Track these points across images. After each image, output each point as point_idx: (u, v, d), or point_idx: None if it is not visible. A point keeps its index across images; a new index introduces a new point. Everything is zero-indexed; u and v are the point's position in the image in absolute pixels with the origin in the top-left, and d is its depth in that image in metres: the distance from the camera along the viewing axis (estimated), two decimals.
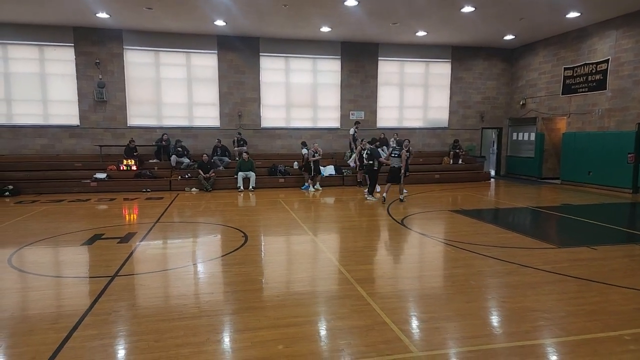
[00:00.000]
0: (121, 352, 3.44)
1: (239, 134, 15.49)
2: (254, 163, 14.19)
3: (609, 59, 13.51)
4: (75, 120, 14.66)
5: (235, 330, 3.80)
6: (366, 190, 12.06)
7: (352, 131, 15.64)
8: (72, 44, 14.31)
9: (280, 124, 16.51)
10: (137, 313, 4.14)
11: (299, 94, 16.57)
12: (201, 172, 13.63)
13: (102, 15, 12.69)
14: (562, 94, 15.46)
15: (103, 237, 7.28)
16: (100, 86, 14.49)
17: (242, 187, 13.74)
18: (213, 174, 13.82)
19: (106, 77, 14.62)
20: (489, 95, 18.10)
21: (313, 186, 13.96)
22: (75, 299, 4.57)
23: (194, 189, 13.55)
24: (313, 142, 14.88)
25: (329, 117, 16.90)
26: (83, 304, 4.31)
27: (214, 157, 14.61)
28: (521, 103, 17.41)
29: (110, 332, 3.76)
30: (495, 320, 4.11)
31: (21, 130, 14.28)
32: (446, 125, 17.93)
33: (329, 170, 15.02)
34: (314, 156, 13.87)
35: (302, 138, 15.98)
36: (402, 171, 10.95)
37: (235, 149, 15.12)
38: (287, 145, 16.24)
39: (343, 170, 15.06)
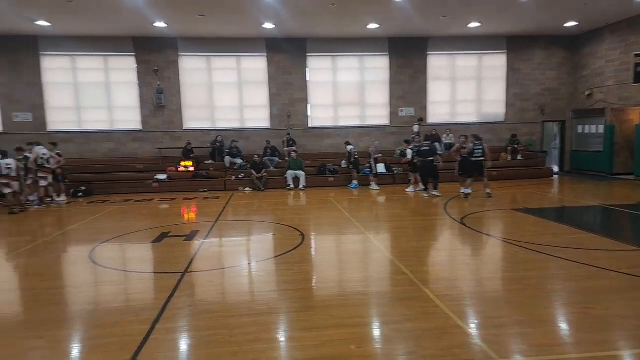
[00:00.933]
0: (201, 345, 3.55)
1: (288, 134, 15.70)
2: (303, 162, 14.32)
3: None
4: (137, 125, 15.53)
5: (303, 328, 3.81)
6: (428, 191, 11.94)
7: (416, 129, 15.29)
8: (133, 53, 15.17)
9: (328, 123, 16.55)
10: (209, 308, 4.28)
11: (347, 93, 16.52)
12: (254, 172, 13.95)
13: (160, 24, 13.34)
14: (633, 83, 14.27)
15: (170, 235, 7.62)
16: (159, 92, 15.24)
17: (292, 186, 13.93)
18: (265, 174, 14.10)
19: (164, 83, 15.35)
20: (550, 87, 17.08)
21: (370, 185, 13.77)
22: (153, 293, 4.84)
23: (247, 189, 13.89)
24: (373, 140, 14.80)
25: (378, 114, 16.71)
26: (161, 298, 4.52)
27: (264, 158, 14.90)
28: (587, 94, 16.25)
29: (188, 325, 3.94)
30: (580, 327, 3.79)
31: (91, 135, 15.34)
32: (502, 119, 17.14)
33: (379, 168, 14.82)
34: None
35: (350, 136, 15.92)
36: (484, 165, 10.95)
37: (285, 149, 15.34)
38: (336, 144, 16.21)
39: (394, 169, 14.81)
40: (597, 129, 16.04)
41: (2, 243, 7.70)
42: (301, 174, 14.02)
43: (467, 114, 17.10)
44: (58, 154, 12.09)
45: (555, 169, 17.33)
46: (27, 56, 14.65)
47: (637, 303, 4.22)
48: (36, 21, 12.80)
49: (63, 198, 12.04)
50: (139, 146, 15.56)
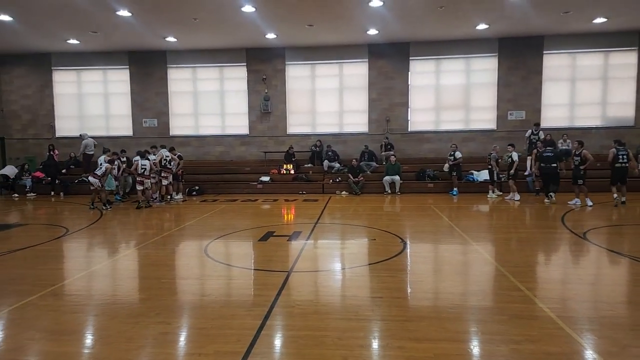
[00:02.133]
0: (311, 345, 3.64)
1: (387, 138, 15.63)
2: (401, 167, 14.14)
3: None
4: (245, 130, 16.78)
5: (413, 338, 3.74)
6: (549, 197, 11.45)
7: (528, 133, 14.27)
8: (245, 64, 16.43)
9: (429, 127, 16.15)
10: (317, 309, 4.41)
11: (450, 96, 15.98)
12: (351, 176, 14.15)
13: (270, 35, 14.27)
14: None
15: (274, 234, 8.08)
16: (266, 99, 16.29)
17: (389, 191, 13.84)
18: (362, 178, 14.22)
19: (270, 90, 16.37)
20: None
21: (492, 192, 13.04)
22: (263, 289, 5.11)
23: (344, 193, 14.14)
24: (493, 145, 13.70)
25: (483, 118, 15.86)
26: (269, 295, 4.76)
27: (361, 162, 15.03)
28: None
29: (297, 324, 4.08)
30: None
31: (205, 139, 16.95)
32: (632, 123, 15.14)
33: (483, 175, 14.03)
34: (497, 161, 12.81)
35: (453, 141, 15.30)
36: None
37: (382, 153, 15.30)
38: (436, 148, 15.75)
39: (501, 176, 13.87)
40: None
41: (132, 235, 8.73)
42: (397, 179, 13.87)
43: (587, 118, 15.47)
44: (179, 157, 13.47)
45: None
46: (157, 68, 16.71)
47: None
48: (165, 37, 14.55)
49: (180, 196, 13.39)
50: (245, 150, 16.79)
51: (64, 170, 15.76)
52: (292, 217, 10.73)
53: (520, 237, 7.94)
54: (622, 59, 15.07)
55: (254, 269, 6.05)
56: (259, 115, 16.57)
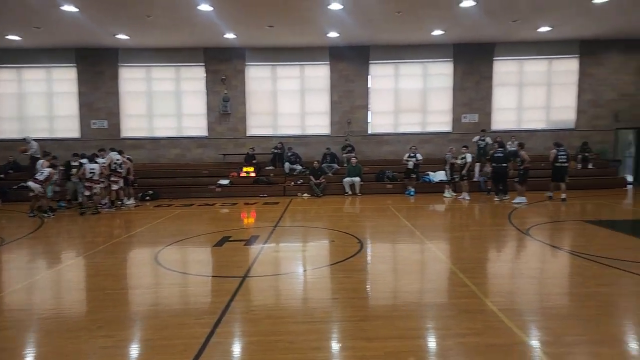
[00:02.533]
0: (262, 350, 3.62)
1: (347, 140, 15.82)
2: (362, 169, 14.37)
3: None
4: (203, 132, 16.42)
5: (365, 337, 3.83)
6: (499, 196, 12.06)
7: (475, 139, 14.79)
8: (203, 64, 16.09)
9: (388, 129, 16.50)
10: (270, 314, 4.38)
11: (408, 99, 16.40)
12: (312, 178, 14.21)
13: (229, 35, 14.08)
14: None
15: (231, 239, 7.94)
16: (225, 100, 16.03)
17: (349, 192, 14.03)
18: (323, 180, 14.31)
19: (230, 91, 16.13)
20: (626, 92, 15.85)
21: (448, 192, 13.54)
22: (214, 296, 5.03)
23: (305, 195, 14.17)
24: (449, 147, 14.31)
25: (440, 121, 16.41)
26: (221, 302, 4.67)
27: (323, 164, 15.13)
28: None
29: (249, 330, 4.06)
30: None
31: (159, 141, 16.43)
32: (572, 126, 16.15)
33: (439, 176, 14.50)
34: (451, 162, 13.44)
35: (411, 143, 15.70)
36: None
37: (344, 155, 15.48)
38: (395, 150, 16.08)
39: (455, 176, 14.37)
40: None
41: (77, 244, 8.29)
42: (357, 180, 14.08)
43: (534, 121, 16.32)
44: (129, 159, 12.80)
45: (630, 178, 15.94)
46: (108, 67, 16.02)
47: None
48: (116, 35, 14.00)
49: (132, 201, 12.75)
50: (203, 152, 16.44)
51: (1, 175, 14.77)
52: (250, 221, 10.63)
53: (471, 235, 8.28)
54: (565, 66, 16.04)
55: (207, 276, 5.94)
56: (218, 117, 16.28)
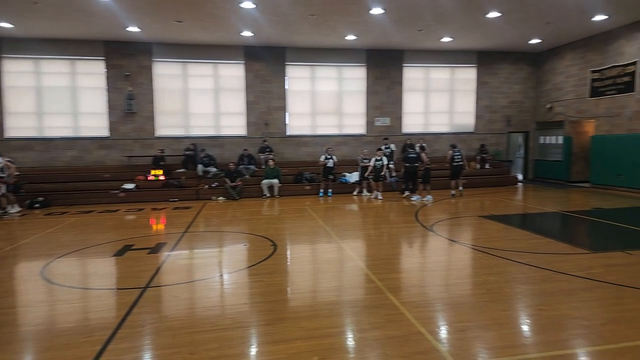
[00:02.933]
0: None
1: (265, 141, 15.63)
2: (280, 171, 14.28)
3: (637, 60, 13.09)
4: (104, 132, 15.08)
5: (269, 341, 3.77)
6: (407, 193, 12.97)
7: (382, 147, 15.11)
8: (103, 58, 14.79)
9: (306, 131, 16.60)
10: (171, 325, 4.13)
11: (325, 102, 16.65)
12: (228, 181, 13.79)
13: (133, 28, 13.10)
14: (589, 97, 15.04)
15: (133, 247, 7.36)
16: (130, 98, 14.90)
17: (267, 195, 13.86)
18: (240, 183, 13.96)
19: (135, 89, 15.03)
20: (516, 100, 17.75)
21: (360, 192, 14.06)
22: (108, 311, 4.61)
23: (220, 198, 13.70)
24: (363, 149, 14.99)
25: (355, 124, 16.91)
26: (116, 316, 4.33)
27: (240, 166, 14.77)
28: (548, 107, 17.00)
29: (144, 344, 3.78)
30: (533, 328, 3.98)
31: (52, 142, 14.75)
32: (472, 130, 17.66)
33: (354, 177, 14.93)
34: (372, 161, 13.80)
35: (328, 145, 15.98)
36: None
37: (261, 156, 15.27)
38: (313, 152, 16.22)
39: (369, 177, 14.89)
40: (556, 139, 16.84)
41: None
42: (276, 182, 13.95)
43: (439, 125, 17.53)
44: (9, 162, 11.39)
45: (520, 177, 17.94)
46: None
47: (585, 304, 4.46)
48: None
49: (16, 209, 11.36)
50: (105, 154, 15.11)
51: None
52: (158, 228, 9.98)
53: (380, 233, 8.63)
54: (465, 74, 17.48)
55: (102, 289, 5.41)
56: (121, 116, 15.06)
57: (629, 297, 4.61)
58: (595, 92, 14.78)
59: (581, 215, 9.89)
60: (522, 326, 4.07)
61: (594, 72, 14.79)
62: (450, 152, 13.06)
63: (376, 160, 13.26)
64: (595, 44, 14.67)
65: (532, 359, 3.37)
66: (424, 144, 13.78)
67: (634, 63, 13.18)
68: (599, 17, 12.57)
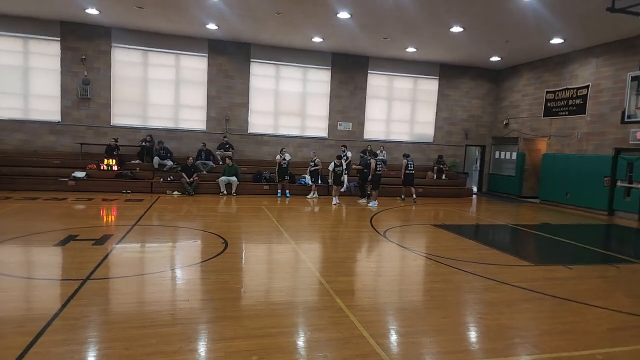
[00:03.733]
0: (88, 359, 3.30)
1: (225, 137, 15.37)
2: (239, 169, 14.10)
3: (589, 85, 13.93)
4: (56, 117, 14.30)
5: (209, 339, 3.70)
6: (364, 199, 13.36)
7: (340, 154, 14.93)
8: (59, 39, 14.02)
9: (268, 130, 16.46)
10: (108, 319, 4.01)
11: (288, 102, 16.57)
12: (184, 176, 13.45)
13: (92, 11, 12.51)
14: (543, 116, 15.85)
15: (77, 238, 7.06)
16: (85, 83, 14.21)
17: (225, 192, 13.63)
18: (197, 178, 13.65)
19: (92, 74, 14.35)
20: (474, 114, 18.42)
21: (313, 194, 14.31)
22: (44, 302, 4.41)
23: (175, 192, 13.34)
24: (312, 151, 15.32)
25: (317, 126, 16.93)
26: (52, 308, 4.14)
27: (197, 161, 14.44)
28: (504, 123, 17.78)
29: (78, 338, 3.62)
30: (472, 336, 4.12)
31: None
32: (431, 140, 18.15)
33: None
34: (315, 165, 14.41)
35: (289, 146, 15.93)
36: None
37: (218, 153, 15.00)
38: (274, 152, 16.05)
39: (328, 180, 15.02)
40: (511, 155, 17.62)
41: None
42: (234, 180, 13.76)
43: (400, 133, 17.89)
44: None
45: (475, 189, 18.64)
46: None
47: (523, 315, 4.64)
48: None
49: None
50: (56, 139, 14.32)
51: None
52: (107, 219, 9.58)
53: (334, 236, 8.69)
54: (427, 86, 17.94)
55: (39, 279, 5.13)
56: (75, 101, 14.33)
57: (566, 310, 4.84)
58: (549, 112, 15.60)
59: (528, 229, 10.39)
60: (462, 333, 4.20)
61: (548, 92, 15.62)
62: (405, 160, 14.06)
63: (335, 166, 13.38)
64: (552, 65, 15.51)
65: None
66: (378, 152, 14.24)
67: (586, 87, 14.02)
68: (555, 40, 13.29)
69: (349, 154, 15.65)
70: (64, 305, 4.20)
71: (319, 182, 14.57)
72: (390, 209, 12.26)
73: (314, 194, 14.23)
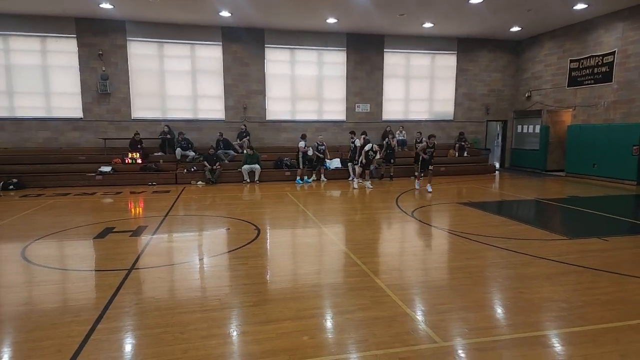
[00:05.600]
0: (147, 344, 3.43)
1: (244, 126, 15.43)
2: (260, 156, 14.18)
3: (615, 51, 13.44)
4: (78, 113, 14.57)
5: (258, 322, 3.80)
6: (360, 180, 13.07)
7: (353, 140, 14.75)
8: (75, 35, 14.18)
9: (286, 116, 16.44)
10: (159, 305, 4.14)
11: (305, 86, 16.48)
12: (207, 165, 13.61)
13: (106, 5, 12.58)
14: (567, 86, 15.42)
15: (114, 230, 7.28)
16: (104, 78, 14.40)
17: (248, 180, 13.77)
18: (219, 167, 13.80)
19: (109, 69, 14.52)
20: (495, 88, 18.03)
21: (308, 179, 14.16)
22: (95, 292, 4.59)
23: (200, 182, 13.53)
24: (319, 135, 15.06)
25: (335, 109, 16.83)
26: (103, 297, 4.32)
27: (219, 151, 14.57)
28: (526, 95, 17.36)
29: (133, 324, 3.77)
30: (514, 310, 4.12)
31: (24, 123, 14.19)
32: (452, 117, 17.87)
33: (334, 163, 14.98)
34: (317, 149, 14.15)
35: (308, 131, 15.90)
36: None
37: (236, 143, 15.05)
38: (293, 138, 16.10)
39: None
40: (534, 129, 17.25)
41: None
42: (257, 167, 13.86)
43: (419, 112, 17.64)
44: None
45: (497, 165, 18.38)
46: None
47: (563, 287, 4.64)
48: None
49: None
50: (79, 135, 14.62)
51: None
52: (138, 211, 9.81)
53: (362, 219, 8.72)
54: (445, 61, 17.58)
55: (86, 271, 5.33)
56: (95, 97, 14.56)
57: (604, 280, 4.82)
58: (573, 82, 15.16)
59: (557, 202, 10.23)
60: (504, 308, 4.20)
61: (572, 61, 15.15)
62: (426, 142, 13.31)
63: (371, 149, 13.19)
64: (575, 33, 15.00)
65: (516, 339, 3.48)
66: (397, 133, 13.93)
67: (612, 53, 13.55)
68: (579, 6, 12.82)
69: (357, 141, 15.32)
70: (114, 295, 4.37)
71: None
72: (415, 190, 12.19)
73: (319, 177, 14.29)
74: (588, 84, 14.53)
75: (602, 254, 5.86)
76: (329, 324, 3.77)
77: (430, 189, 11.57)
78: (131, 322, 3.81)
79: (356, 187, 12.53)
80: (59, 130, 14.48)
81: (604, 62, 13.85)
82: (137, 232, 7.10)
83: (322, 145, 14.29)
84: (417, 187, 12.16)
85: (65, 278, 5.06)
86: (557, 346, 3.39)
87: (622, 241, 6.51)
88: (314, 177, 14.18)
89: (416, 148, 13.74)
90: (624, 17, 13.13)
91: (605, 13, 13.60)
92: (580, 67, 14.81)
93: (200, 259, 5.82)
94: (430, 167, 11.77)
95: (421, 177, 12.27)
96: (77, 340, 3.43)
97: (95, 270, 5.32)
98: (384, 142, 14.50)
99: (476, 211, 8.93)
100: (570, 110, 15.45)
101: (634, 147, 12.81)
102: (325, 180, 14.23)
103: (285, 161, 14.83)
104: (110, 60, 14.52)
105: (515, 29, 15.69)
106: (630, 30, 12.96)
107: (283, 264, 5.62)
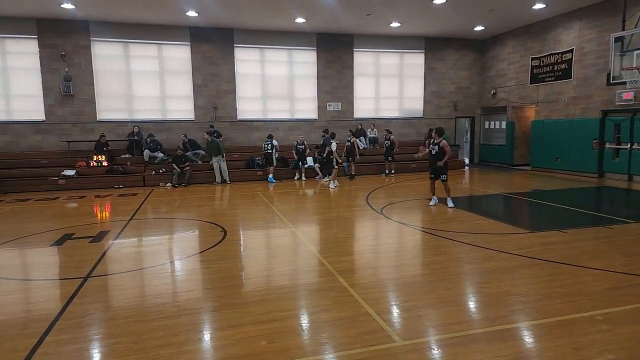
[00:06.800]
0: (98, 356, 3.32)
1: (212, 126, 15.16)
2: (219, 142, 13.72)
3: (573, 48, 13.93)
4: (40, 116, 14.02)
5: (217, 328, 3.73)
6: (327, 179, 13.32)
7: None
8: (36, 36, 13.64)
9: (257, 115, 16.29)
10: (114, 314, 4.01)
11: (276, 86, 16.37)
12: (175, 167, 13.33)
13: (67, 5, 12.13)
14: (530, 83, 15.88)
15: (74, 236, 7.02)
16: (67, 79, 13.89)
17: (219, 181, 13.56)
18: (188, 168, 13.54)
19: (73, 70, 14.02)
20: (462, 85, 18.38)
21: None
22: (46, 302, 4.39)
23: (168, 184, 13.25)
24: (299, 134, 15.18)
25: (306, 108, 16.80)
26: (54, 308, 4.14)
27: (188, 152, 14.28)
28: (492, 92, 17.78)
29: (85, 335, 3.62)
30: (474, 306, 4.19)
31: None
32: (421, 115, 18.12)
33: (308, 162, 14.92)
34: (296, 149, 14.23)
35: (279, 130, 15.79)
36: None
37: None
38: (265, 137, 15.94)
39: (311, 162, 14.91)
40: (500, 124, 17.69)
41: None
42: (219, 160, 13.43)
43: (389, 110, 17.81)
44: None
45: (466, 161, 18.75)
46: None
47: (523, 280, 4.73)
48: None
49: None
50: (42, 138, 14.07)
51: None
52: (102, 215, 9.51)
53: (332, 217, 8.72)
54: (414, 60, 17.81)
55: (39, 280, 5.10)
56: (59, 99, 14.03)
57: (564, 273, 4.93)
58: (535, 79, 15.62)
59: (522, 196, 10.50)
60: (465, 304, 4.26)
61: (534, 59, 15.60)
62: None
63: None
64: (535, 32, 15.45)
65: (475, 334, 3.53)
66: (369, 130, 14.17)
67: (570, 51, 14.02)
68: (538, 6, 13.20)
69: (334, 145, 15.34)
70: (66, 304, 4.20)
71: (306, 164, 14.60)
72: (385, 186, 12.29)
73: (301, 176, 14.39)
74: (549, 81, 15.00)
75: (562, 246, 6.02)
76: (289, 327, 3.72)
77: (451, 204, 9.03)
78: (83, 333, 3.66)
79: (332, 187, 12.45)
80: (20, 134, 13.90)
81: (563, 59, 14.33)
82: (97, 238, 6.87)
83: (302, 144, 14.20)
84: (432, 203, 9.38)
85: (16, 288, 4.84)
86: (514, 340, 3.44)
87: (581, 233, 6.72)
88: (326, 178, 13.77)
89: (386, 146, 14.03)
90: (580, 16, 13.60)
91: (563, 12, 14.08)
92: (541, 64, 15.27)
93: (162, 264, 5.67)
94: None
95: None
96: (22, 354, 3.26)
97: (49, 280, 5.11)
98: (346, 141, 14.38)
99: (445, 207, 9.04)
100: (534, 106, 15.92)
101: (594, 141, 13.29)
102: (305, 179, 14.20)
103: (257, 161, 14.70)
104: (74, 61, 14.03)
105: (479, 28, 16.04)
106: (587, 28, 13.44)
107: (247, 267, 5.54)
